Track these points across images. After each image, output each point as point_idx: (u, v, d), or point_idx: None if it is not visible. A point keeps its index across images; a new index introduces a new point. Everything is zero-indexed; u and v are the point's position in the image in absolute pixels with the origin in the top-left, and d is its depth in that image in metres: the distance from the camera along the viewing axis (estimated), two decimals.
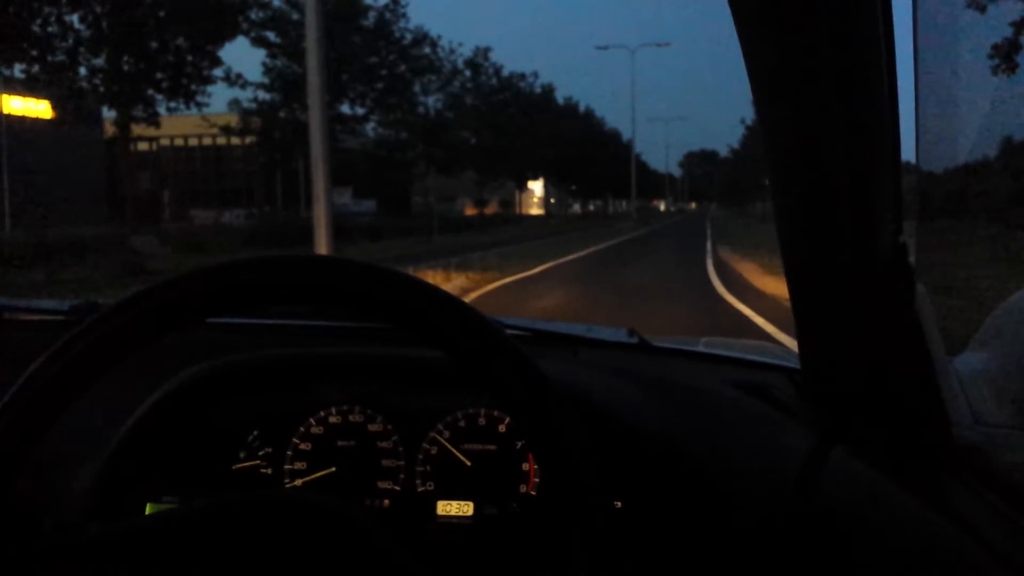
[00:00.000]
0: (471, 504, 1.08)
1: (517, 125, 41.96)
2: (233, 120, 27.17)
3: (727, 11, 0.73)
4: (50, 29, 17.06)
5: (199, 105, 20.10)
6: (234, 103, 26.98)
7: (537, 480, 1.08)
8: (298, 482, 1.10)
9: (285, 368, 1.14)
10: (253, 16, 24.40)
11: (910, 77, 0.77)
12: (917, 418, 0.84)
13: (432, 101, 35.22)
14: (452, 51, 37.69)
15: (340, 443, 1.11)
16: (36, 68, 17.50)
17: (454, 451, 1.10)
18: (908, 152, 0.78)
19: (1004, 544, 0.66)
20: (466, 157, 38.47)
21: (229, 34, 20.64)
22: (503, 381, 0.68)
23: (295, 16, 25.19)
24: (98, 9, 17.43)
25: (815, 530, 0.87)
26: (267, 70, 27.25)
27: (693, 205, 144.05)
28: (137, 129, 19.51)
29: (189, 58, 19.56)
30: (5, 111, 18.05)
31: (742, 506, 0.97)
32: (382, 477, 1.09)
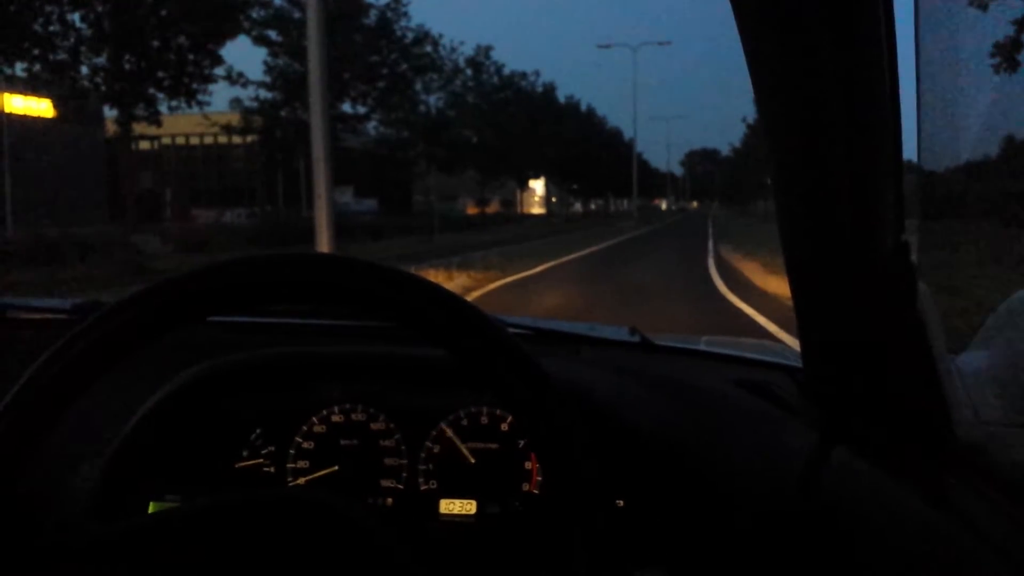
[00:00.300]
0: (474, 503, 1.08)
1: (518, 124, 41.90)
2: (235, 119, 27.15)
3: (729, 10, 0.73)
4: (52, 28, 17.03)
5: (200, 104, 20.03)
6: (236, 102, 26.97)
7: (539, 479, 1.08)
8: (301, 481, 1.10)
9: (287, 367, 1.14)
10: (255, 15, 24.34)
11: (912, 76, 0.77)
12: (919, 416, 0.84)
13: (434, 100, 35.25)
14: (454, 50, 37.49)
15: (343, 442, 1.11)
16: (38, 67, 17.46)
17: (457, 450, 1.10)
18: (910, 151, 0.78)
19: (1006, 542, 0.66)
20: (467, 156, 38.42)
21: (230, 33, 20.52)
22: (505, 380, 0.68)
23: (297, 15, 25.17)
24: (100, 8, 17.39)
25: (817, 529, 0.87)
26: (268, 69, 27.27)
27: (695, 204, 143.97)
28: (139, 128, 19.46)
29: (191, 57, 19.45)
30: (7, 110, 18.00)
31: (743, 505, 0.97)
32: (385, 476, 1.10)
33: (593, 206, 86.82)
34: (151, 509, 1.05)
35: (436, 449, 1.10)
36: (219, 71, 20.76)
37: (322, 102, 9.67)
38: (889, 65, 0.72)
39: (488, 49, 41.35)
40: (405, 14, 29.41)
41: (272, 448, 1.11)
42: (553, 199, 73.95)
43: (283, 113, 27.19)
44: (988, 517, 0.71)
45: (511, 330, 0.70)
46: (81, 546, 0.65)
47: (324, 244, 9.19)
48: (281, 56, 27.04)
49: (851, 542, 0.81)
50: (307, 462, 1.10)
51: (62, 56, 17.38)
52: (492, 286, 13.16)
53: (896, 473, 0.83)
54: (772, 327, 8.31)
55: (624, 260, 20.37)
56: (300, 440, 1.11)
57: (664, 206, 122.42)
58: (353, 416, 1.12)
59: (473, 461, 1.09)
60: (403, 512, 1.08)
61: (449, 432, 1.10)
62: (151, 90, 18.91)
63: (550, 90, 52.46)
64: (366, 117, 29.76)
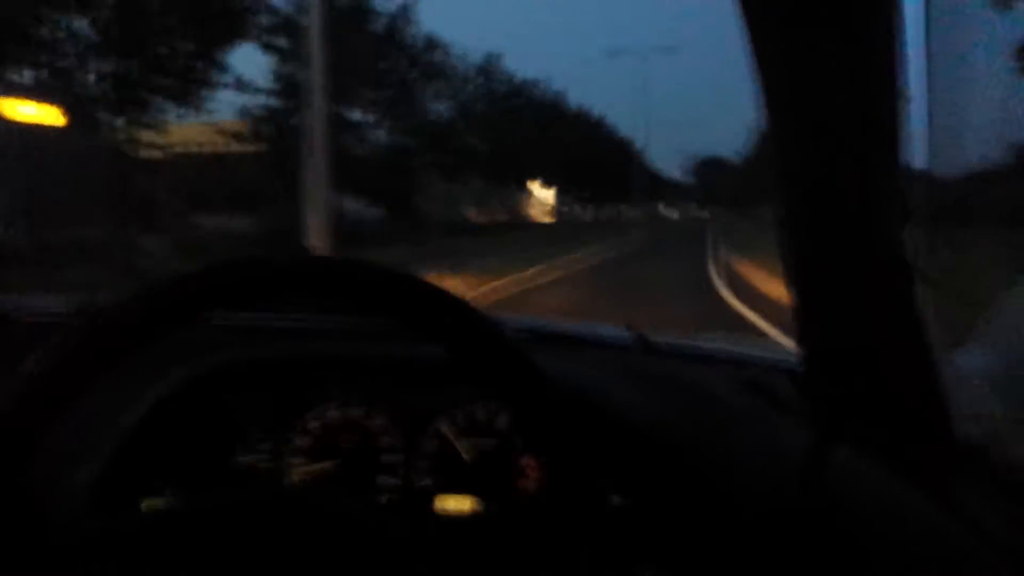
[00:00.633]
0: (471, 500, 1.07)
1: (527, 131, 41.82)
2: (242, 127, 27.15)
3: (736, 14, 0.73)
4: (58, 35, 16.97)
5: (207, 111, 20.09)
6: (243, 110, 26.98)
7: (537, 476, 1.08)
8: (298, 478, 1.10)
9: (285, 365, 1.14)
10: (264, 21, 24.30)
11: (922, 78, 0.77)
12: (919, 416, 0.83)
13: (443, 108, 35.17)
14: (464, 57, 37.46)
15: (340, 439, 1.11)
16: (44, 73, 17.39)
17: (454, 447, 1.10)
18: (916, 153, 0.78)
19: (1007, 539, 0.66)
20: (474, 164, 38.34)
21: (237, 39, 20.50)
22: (502, 378, 0.68)
23: (305, 22, 25.17)
24: (105, 14, 17.32)
25: (817, 529, 0.86)
26: (276, 76, 27.31)
27: (702, 212, 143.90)
28: (146, 136, 19.46)
29: (197, 64, 19.38)
30: (14, 117, 17.96)
31: (743, 505, 0.96)
32: (382, 473, 1.09)
33: (599, 215, 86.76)
34: (146, 506, 1.05)
35: (433, 446, 1.10)
36: (226, 78, 20.79)
37: (323, 103, 9.62)
38: (896, 65, 0.72)
39: (499, 57, 41.43)
40: (414, 21, 29.51)
41: (269, 445, 1.11)
42: (563, 208, 74.05)
43: (292, 121, 27.19)
44: (989, 516, 0.71)
45: (510, 329, 0.70)
46: (77, 544, 0.65)
47: (320, 246, 9.12)
48: (290, 63, 27.06)
49: (851, 542, 0.81)
50: (304, 459, 1.10)
51: (66, 63, 17.32)
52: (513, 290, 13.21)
53: (896, 472, 0.82)
54: (774, 331, 8.26)
55: (639, 263, 20.47)
56: (297, 437, 1.11)
57: (676, 216, 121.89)
58: (350, 414, 1.12)
59: (470, 459, 1.09)
60: (400, 509, 1.08)
61: (446, 429, 1.10)
62: (157, 97, 18.83)
63: (559, 98, 52.64)
64: (375, 125, 29.77)
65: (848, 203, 0.78)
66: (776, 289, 14.16)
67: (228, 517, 0.68)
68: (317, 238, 9.20)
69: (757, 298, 11.67)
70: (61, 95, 17.85)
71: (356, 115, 28.51)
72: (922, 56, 0.78)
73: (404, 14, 28.92)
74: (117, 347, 0.65)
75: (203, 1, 17.96)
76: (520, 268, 17.09)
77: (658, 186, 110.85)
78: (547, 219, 66.71)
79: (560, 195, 70.45)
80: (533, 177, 51.27)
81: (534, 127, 43.10)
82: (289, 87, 26.37)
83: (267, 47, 25.36)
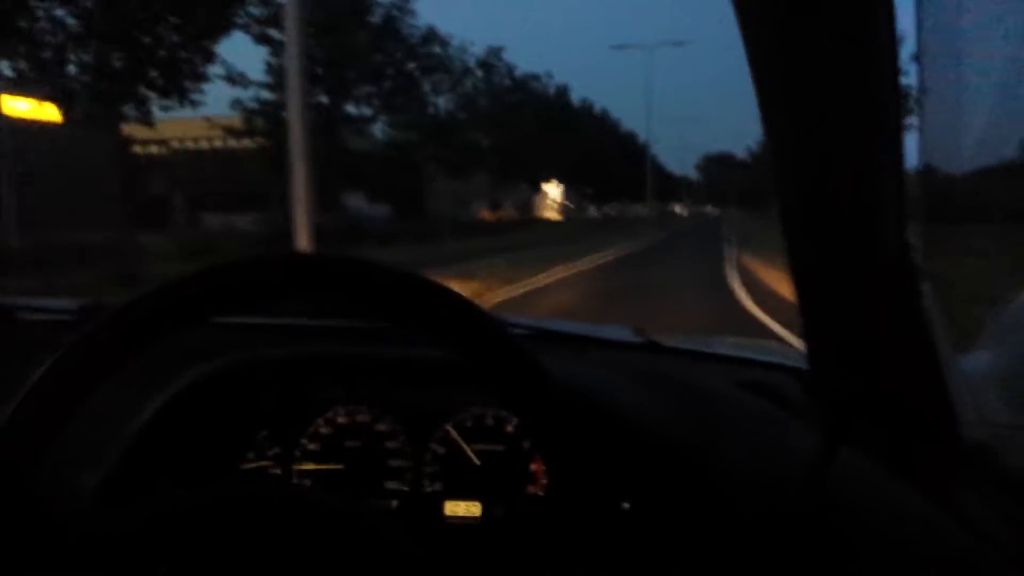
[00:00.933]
0: (479, 504, 1.08)
1: (531, 126, 41.29)
2: (236, 122, 26.10)
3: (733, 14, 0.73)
4: (39, 25, 16.30)
5: (193, 103, 18.99)
6: (236, 103, 26.01)
7: (545, 481, 1.08)
8: (306, 482, 1.10)
9: (292, 368, 1.14)
10: (255, 12, 23.22)
11: (917, 77, 0.77)
12: (924, 417, 0.83)
13: (443, 102, 34.58)
14: (464, 49, 36.63)
15: (348, 443, 1.11)
16: (25, 65, 16.74)
17: (462, 451, 1.10)
18: (916, 153, 0.78)
19: (1010, 543, 0.66)
20: (480, 160, 37.90)
21: (223, 29, 19.45)
22: (508, 380, 0.68)
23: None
24: (87, 3, 16.54)
25: (822, 530, 0.86)
26: (270, 68, 26.36)
27: (712, 208, 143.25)
28: (143, 132, 18.77)
29: (182, 54, 18.41)
30: (9, 113, 17.48)
31: (748, 506, 0.96)
32: (390, 477, 1.10)
33: (607, 211, 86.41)
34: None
35: (441, 451, 1.10)
36: (217, 71, 20.00)
37: (300, 97, 9.52)
38: (893, 65, 0.71)
39: (500, 50, 40.72)
40: (412, 12, 28.79)
41: (278, 449, 1.11)
42: (569, 204, 73.74)
43: (285, 114, 26.63)
44: (992, 518, 0.71)
45: (515, 330, 0.70)
46: (82, 543, 0.65)
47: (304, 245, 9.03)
48: (282, 55, 26.47)
49: (856, 543, 0.81)
50: (313, 463, 1.11)
51: (48, 54, 16.63)
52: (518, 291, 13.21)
53: (901, 474, 0.82)
54: (784, 332, 8.23)
55: (647, 264, 20.44)
56: (306, 441, 1.11)
57: (685, 213, 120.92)
58: (358, 417, 1.12)
59: (478, 463, 1.09)
60: (408, 514, 1.08)
61: (454, 434, 1.10)
62: (141, 89, 17.93)
63: (563, 92, 52.04)
64: (372, 119, 29.26)
65: (848, 203, 0.78)
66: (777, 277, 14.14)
67: (233, 512, 0.68)
68: (301, 237, 9.10)
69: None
70: (44, 88, 17.22)
71: (352, 109, 27.86)
72: (921, 56, 0.78)
73: (401, 5, 28.30)
74: (123, 350, 0.65)
75: None
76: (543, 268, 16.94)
77: (667, 183, 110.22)
78: (555, 216, 66.49)
79: (568, 192, 70.19)
80: (541, 174, 50.86)
81: (539, 122, 42.59)
82: (282, 79, 25.92)
83: (260, 39, 24.58)
